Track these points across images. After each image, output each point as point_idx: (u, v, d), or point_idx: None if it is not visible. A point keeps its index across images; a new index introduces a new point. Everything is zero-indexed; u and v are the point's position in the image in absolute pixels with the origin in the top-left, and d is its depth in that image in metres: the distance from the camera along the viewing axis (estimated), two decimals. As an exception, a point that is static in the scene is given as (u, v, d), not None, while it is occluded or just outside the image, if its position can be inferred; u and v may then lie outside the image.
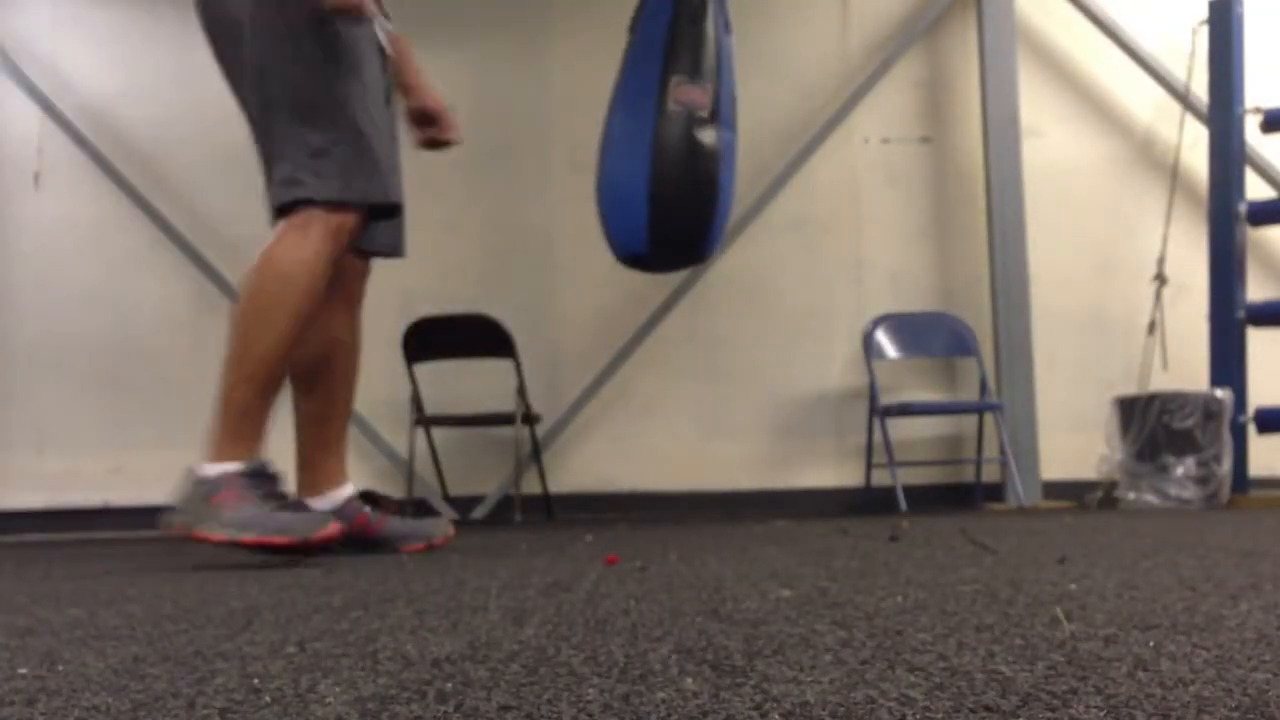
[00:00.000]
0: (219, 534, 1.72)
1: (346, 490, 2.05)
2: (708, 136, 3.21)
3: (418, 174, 4.56)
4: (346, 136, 1.91)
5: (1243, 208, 3.84)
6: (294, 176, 1.88)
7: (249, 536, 1.69)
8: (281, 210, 1.90)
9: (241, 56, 1.96)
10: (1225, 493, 3.59)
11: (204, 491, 1.79)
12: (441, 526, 2.01)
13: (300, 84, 1.93)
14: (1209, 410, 3.61)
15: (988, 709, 0.50)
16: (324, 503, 1.99)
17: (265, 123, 1.96)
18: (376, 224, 2.01)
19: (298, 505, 1.86)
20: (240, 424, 1.81)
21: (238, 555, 1.76)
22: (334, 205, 1.87)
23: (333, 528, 1.72)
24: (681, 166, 3.20)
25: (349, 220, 1.89)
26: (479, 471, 4.36)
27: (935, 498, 4.27)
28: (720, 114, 3.26)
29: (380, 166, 1.93)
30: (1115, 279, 4.52)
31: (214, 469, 1.80)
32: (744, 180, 3.89)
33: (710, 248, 3.33)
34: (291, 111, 1.92)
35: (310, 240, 1.84)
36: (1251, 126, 3.94)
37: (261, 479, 1.81)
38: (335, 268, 1.93)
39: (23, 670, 0.68)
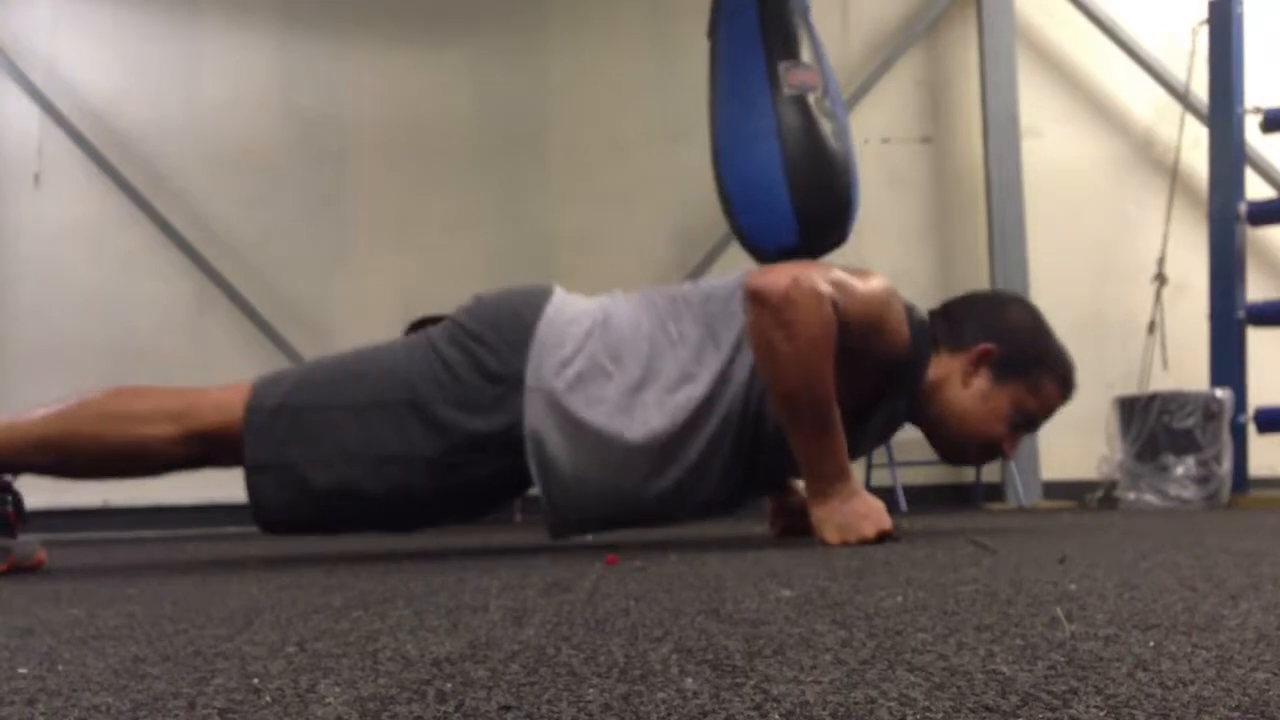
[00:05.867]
0: None
1: None
2: (828, 113, 3.26)
3: (418, 174, 4.59)
4: None
5: (1243, 208, 3.84)
6: None
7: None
8: None
9: None
10: (1225, 493, 3.59)
11: None
12: None
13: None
14: (1209, 410, 3.61)
15: (988, 709, 0.50)
16: None
17: None
18: None
19: None
20: None
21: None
22: None
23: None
24: (813, 148, 3.25)
25: None
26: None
27: (935, 498, 4.27)
28: (830, 90, 3.31)
29: None
30: (1115, 279, 4.52)
31: None
32: (744, 180, 3.89)
33: (853, 224, 3.38)
34: None
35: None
36: (1251, 126, 3.94)
37: None
38: None
39: (23, 670, 0.68)
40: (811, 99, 3.25)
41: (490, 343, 1.74)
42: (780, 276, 1.65)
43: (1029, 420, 1.91)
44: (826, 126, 3.25)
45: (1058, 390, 1.91)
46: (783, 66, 3.26)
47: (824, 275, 1.69)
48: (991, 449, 1.91)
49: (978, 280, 4.50)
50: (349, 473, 1.70)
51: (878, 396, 1.83)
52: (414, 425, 1.71)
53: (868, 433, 1.91)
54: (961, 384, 1.85)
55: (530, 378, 1.71)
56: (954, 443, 1.91)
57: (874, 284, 1.74)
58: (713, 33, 3.48)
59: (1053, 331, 1.95)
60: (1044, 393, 1.89)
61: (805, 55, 3.31)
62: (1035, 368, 1.88)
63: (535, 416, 1.69)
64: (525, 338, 1.73)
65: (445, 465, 1.71)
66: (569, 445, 1.70)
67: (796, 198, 3.20)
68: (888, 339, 1.74)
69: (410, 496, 1.73)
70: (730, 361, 1.74)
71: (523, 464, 1.72)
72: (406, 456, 1.70)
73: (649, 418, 1.72)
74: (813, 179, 3.22)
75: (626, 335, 1.76)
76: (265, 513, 1.73)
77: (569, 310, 1.80)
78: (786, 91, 3.24)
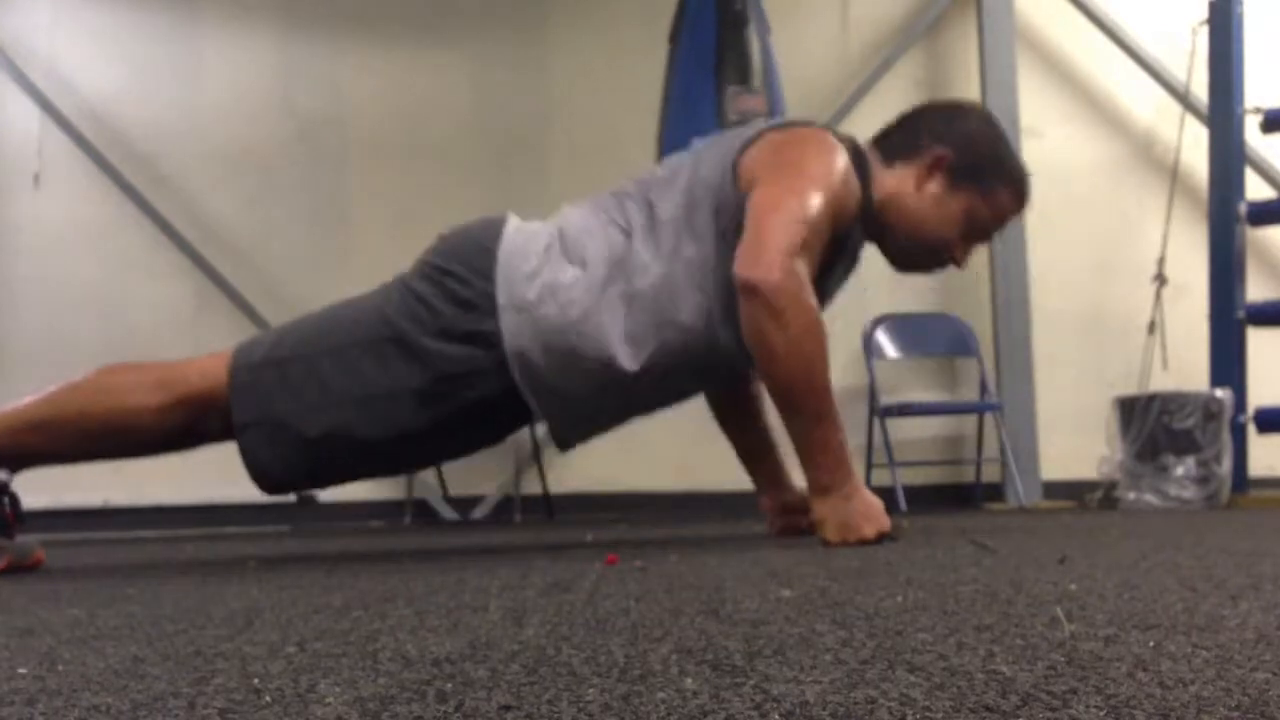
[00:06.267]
0: None
1: None
2: None
3: (418, 174, 4.58)
4: None
5: (1243, 208, 3.84)
6: None
7: None
8: None
9: None
10: (1225, 493, 3.59)
11: None
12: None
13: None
14: (1209, 410, 3.61)
15: (988, 709, 0.50)
16: None
17: None
18: None
19: None
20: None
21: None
22: None
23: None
24: None
25: None
26: (479, 471, 4.36)
27: (935, 498, 4.27)
28: (775, 117, 3.33)
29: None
30: (1115, 279, 4.52)
31: None
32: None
33: None
34: None
35: None
36: (1251, 126, 3.94)
37: None
38: None
39: (23, 670, 0.68)
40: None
41: (457, 273, 1.76)
42: (771, 269, 1.65)
43: (981, 228, 1.92)
44: None
45: (1011, 199, 1.92)
46: (731, 91, 3.31)
47: (800, 234, 1.68)
48: (942, 255, 1.93)
49: (978, 280, 4.50)
50: (338, 417, 1.71)
51: (839, 245, 1.85)
52: (396, 359, 1.72)
53: (835, 276, 1.93)
54: (915, 189, 1.87)
55: (502, 297, 1.73)
56: (904, 248, 1.92)
57: (829, 178, 1.74)
58: (673, 39, 3.50)
59: (1009, 140, 1.95)
60: (997, 200, 1.90)
61: (756, 80, 3.33)
62: (989, 175, 1.89)
63: (514, 335, 1.72)
64: (489, 261, 1.76)
65: (433, 395, 1.72)
66: (550, 356, 1.72)
67: None
68: (849, 209, 1.78)
69: (404, 433, 1.74)
70: (679, 237, 1.76)
71: (512, 384, 1.73)
72: (392, 391, 1.71)
73: (619, 313, 1.74)
74: None
75: (583, 239, 1.79)
76: (262, 471, 1.74)
77: (526, 230, 1.83)
78: (731, 117, 3.28)
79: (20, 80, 4.46)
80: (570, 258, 1.77)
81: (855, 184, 1.79)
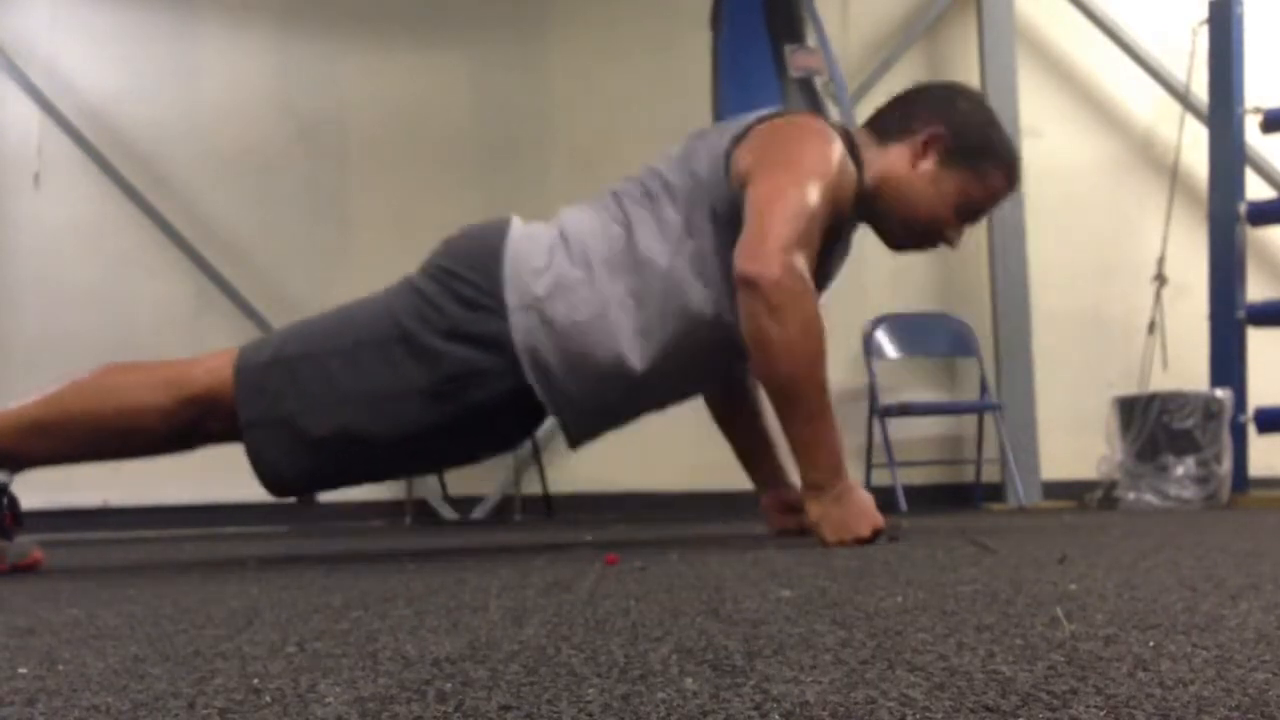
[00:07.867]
0: None
1: None
2: (834, 98, 3.21)
3: (418, 174, 4.59)
4: None
5: (1243, 208, 3.84)
6: None
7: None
8: None
9: None
10: (1225, 493, 3.59)
11: None
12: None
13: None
14: (1209, 410, 3.61)
15: (988, 709, 0.50)
16: None
17: None
18: None
19: None
20: None
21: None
22: None
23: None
24: None
25: None
26: (479, 471, 4.34)
27: (935, 498, 4.27)
28: (835, 77, 3.25)
29: None
30: (1115, 279, 4.52)
31: None
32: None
33: None
34: None
35: None
36: (1251, 126, 3.94)
37: None
38: None
39: (23, 670, 0.68)
40: (818, 83, 3.19)
41: (463, 274, 1.76)
42: (770, 264, 1.66)
43: (974, 208, 1.93)
44: (833, 111, 3.18)
45: (1003, 180, 1.93)
46: (788, 49, 3.19)
47: (801, 227, 1.69)
48: (935, 235, 1.94)
49: (978, 281, 4.50)
50: (345, 416, 1.71)
51: (837, 231, 1.86)
52: (403, 358, 1.72)
53: (834, 261, 1.94)
54: (909, 167, 1.88)
55: (511, 297, 1.73)
56: (899, 227, 1.93)
57: (826, 166, 1.75)
58: (715, 22, 3.43)
59: (1000, 122, 1.96)
60: (990, 182, 1.91)
61: (810, 40, 3.26)
62: (982, 157, 1.90)
63: (524, 334, 1.72)
64: (495, 262, 1.76)
65: (440, 395, 1.72)
66: (561, 355, 1.73)
67: None
68: (846, 195, 1.80)
69: (410, 433, 1.73)
70: (680, 232, 1.77)
71: (520, 386, 1.73)
72: (400, 391, 1.71)
73: (628, 309, 1.75)
74: None
75: (585, 239, 1.79)
76: (269, 471, 1.73)
77: (530, 232, 1.83)
78: (792, 74, 3.17)
79: (20, 80, 4.46)
80: (574, 259, 1.77)
81: (851, 170, 1.81)
